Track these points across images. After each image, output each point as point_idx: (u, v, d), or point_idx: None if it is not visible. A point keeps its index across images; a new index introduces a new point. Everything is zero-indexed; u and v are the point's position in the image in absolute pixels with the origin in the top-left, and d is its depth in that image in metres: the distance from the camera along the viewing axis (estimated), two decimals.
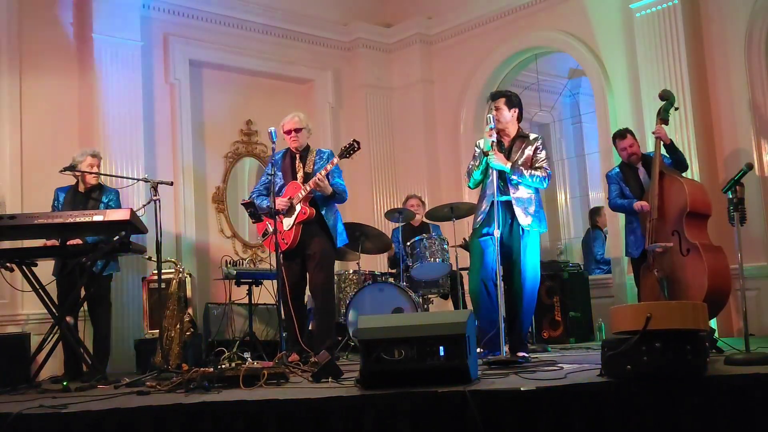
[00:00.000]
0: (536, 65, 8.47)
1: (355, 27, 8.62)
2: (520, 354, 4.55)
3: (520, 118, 4.97)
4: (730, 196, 4.00)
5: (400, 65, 8.82)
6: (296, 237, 5.16)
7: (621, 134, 5.63)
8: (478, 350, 4.48)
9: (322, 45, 8.56)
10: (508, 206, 4.74)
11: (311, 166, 5.31)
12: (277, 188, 5.35)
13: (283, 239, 5.15)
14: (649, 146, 5.95)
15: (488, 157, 4.66)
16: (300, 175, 5.29)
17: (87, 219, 4.60)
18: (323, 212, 5.27)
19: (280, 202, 5.14)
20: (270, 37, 8.14)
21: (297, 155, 5.35)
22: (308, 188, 5.14)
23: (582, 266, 7.52)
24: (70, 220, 4.62)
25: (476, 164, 4.86)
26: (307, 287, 5.45)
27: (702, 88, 6.39)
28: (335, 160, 5.23)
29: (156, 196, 4.74)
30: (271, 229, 5.22)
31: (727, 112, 6.33)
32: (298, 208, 5.15)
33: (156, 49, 7.30)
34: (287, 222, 5.16)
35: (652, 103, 6.44)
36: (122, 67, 6.82)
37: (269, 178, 5.34)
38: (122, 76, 6.81)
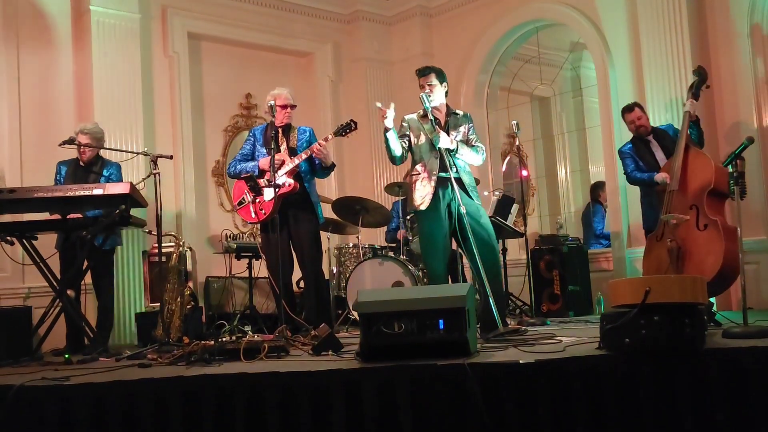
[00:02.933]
0: (537, 38, 8.41)
1: None
2: (512, 326, 4.51)
3: (446, 94, 4.92)
4: (731, 170, 4.00)
5: (400, 38, 8.76)
6: (275, 209, 5.13)
7: (629, 108, 5.61)
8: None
9: (321, 17, 8.49)
10: (456, 183, 4.61)
11: (294, 142, 5.32)
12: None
13: (261, 209, 5.16)
14: (654, 120, 5.95)
15: (434, 136, 4.62)
16: (284, 148, 5.28)
17: (87, 192, 4.61)
18: (306, 186, 5.28)
19: (266, 163, 5.12)
20: (269, 10, 8.07)
21: (280, 130, 5.34)
22: (303, 156, 5.14)
23: (581, 240, 7.53)
24: (70, 193, 4.62)
25: (404, 140, 4.77)
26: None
27: (704, 60, 6.33)
28: (330, 137, 5.22)
29: (156, 169, 4.73)
30: (248, 198, 5.23)
31: (729, 85, 6.29)
32: (282, 179, 5.14)
33: (154, 21, 7.24)
34: (269, 193, 5.14)
35: (654, 76, 6.43)
36: (120, 40, 6.77)
37: (248, 150, 5.39)
38: (120, 49, 6.76)
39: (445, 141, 4.62)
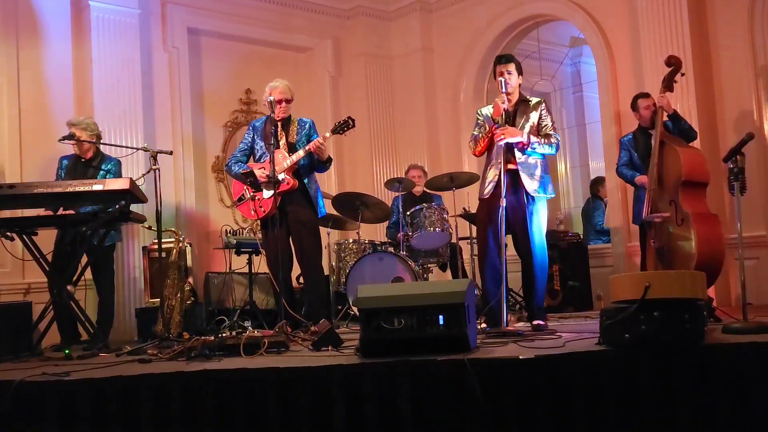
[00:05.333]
0: (537, 33, 8.40)
1: None
2: (536, 322, 4.54)
3: (519, 85, 4.89)
4: (731, 166, 3.99)
5: (400, 33, 8.75)
6: (274, 206, 5.11)
7: (644, 94, 5.68)
8: (483, 325, 4.49)
9: (321, 13, 8.48)
10: (514, 174, 4.63)
11: (294, 136, 5.27)
12: (257, 155, 5.34)
13: (260, 207, 5.14)
14: None
15: (500, 128, 4.57)
16: (282, 143, 5.26)
17: (86, 188, 4.59)
18: (306, 182, 5.26)
19: (262, 172, 5.12)
20: (269, 5, 8.06)
21: (279, 123, 5.30)
22: (302, 153, 5.12)
23: (581, 236, 7.53)
24: (70, 189, 4.61)
25: (482, 133, 4.75)
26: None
27: (704, 55, 6.34)
28: (328, 134, 5.20)
29: (155, 165, 4.72)
30: (248, 195, 5.22)
31: (730, 80, 6.29)
32: (281, 177, 5.12)
33: (154, 16, 7.23)
34: (268, 191, 5.13)
35: (654, 70, 6.40)
36: (120, 35, 6.77)
37: (247, 145, 5.36)
38: (120, 44, 6.76)
39: (513, 135, 4.57)
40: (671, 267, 4.64)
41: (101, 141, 5.57)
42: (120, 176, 5.50)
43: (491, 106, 4.83)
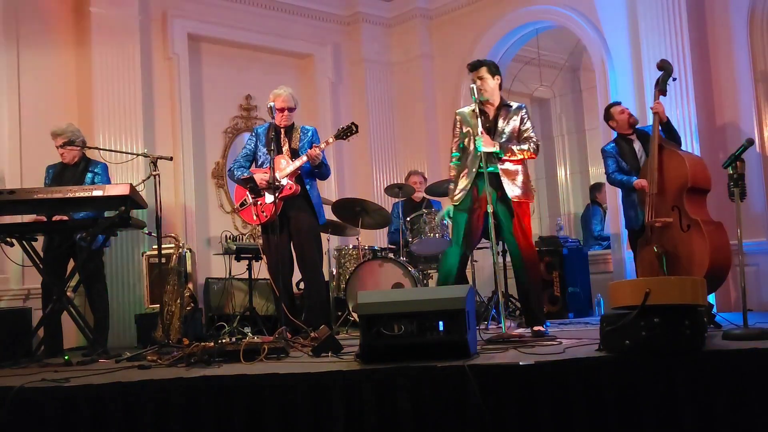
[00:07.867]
0: (537, 40, 8.41)
1: (355, 1, 8.55)
2: (536, 328, 4.53)
3: (500, 87, 4.82)
4: (731, 172, 4.00)
5: (400, 40, 8.77)
6: (276, 211, 5.12)
7: (614, 103, 5.66)
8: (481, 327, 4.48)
9: (321, 19, 8.50)
10: (494, 177, 4.59)
11: (296, 143, 5.30)
12: (260, 161, 5.34)
13: (263, 212, 5.16)
14: (648, 121, 5.93)
15: (476, 139, 4.54)
16: (286, 149, 5.27)
17: (87, 194, 4.59)
18: (308, 188, 5.28)
19: (263, 177, 5.12)
20: (269, 11, 8.08)
21: (282, 130, 5.32)
22: (304, 159, 5.14)
23: (581, 242, 7.53)
24: (70, 195, 4.61)
25: (456, 142, 4.74)
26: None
27: (704, 61, 6.36)
28: (331, 140, 5.22)
29: (155, 171, 4.72)
30: (250, 199, 5.23)
31: (729, 86, 6.29)
32: (284, 182, 5.13)
33: (154, 23, 7.25)
34: (270, 195, 5.13)
35: (654, 77, 6.40)
36: (120, 41, 6.78)
37: (250, 150, 5.38)
38: (120, 50, 6.77)
39: (486, 145, 4.55)
40: (676, 273, 4.62)
41: (96, 147, 5.57)
42: (107, 179, 5.51)
43: (468, 107, 4.75)
